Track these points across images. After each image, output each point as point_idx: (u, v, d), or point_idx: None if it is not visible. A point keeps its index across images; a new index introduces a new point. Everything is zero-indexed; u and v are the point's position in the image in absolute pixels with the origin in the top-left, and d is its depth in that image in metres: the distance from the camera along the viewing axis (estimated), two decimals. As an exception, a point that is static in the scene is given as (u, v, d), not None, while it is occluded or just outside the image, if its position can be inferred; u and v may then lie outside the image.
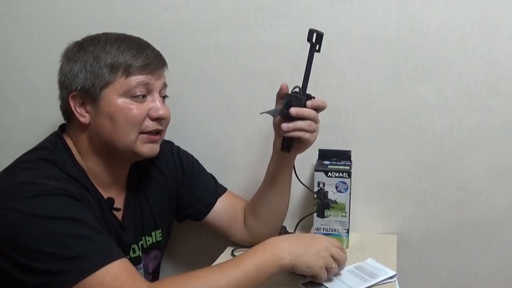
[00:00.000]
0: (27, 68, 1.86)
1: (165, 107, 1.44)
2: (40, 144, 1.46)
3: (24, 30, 1.85)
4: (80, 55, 1.40)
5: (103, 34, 1.44)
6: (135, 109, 1.39)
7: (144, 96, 1.40)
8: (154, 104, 1.42)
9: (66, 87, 1.41)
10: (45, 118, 1.47)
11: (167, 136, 1.54)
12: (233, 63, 1.74)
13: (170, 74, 1.55)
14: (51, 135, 1.47)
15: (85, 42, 1.42)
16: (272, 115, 1.46)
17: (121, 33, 1.44)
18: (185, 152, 1.71)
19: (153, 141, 1.44)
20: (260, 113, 1.44)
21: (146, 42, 1.45)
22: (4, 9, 1.84)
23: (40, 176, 1.31)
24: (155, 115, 1.41)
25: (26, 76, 1.87)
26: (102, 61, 1.37)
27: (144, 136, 1.42)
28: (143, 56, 1.39)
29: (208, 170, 1.73)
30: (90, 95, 1.38)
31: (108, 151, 1.43)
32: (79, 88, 1.38)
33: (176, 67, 1.67)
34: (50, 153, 1.41)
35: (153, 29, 1.73)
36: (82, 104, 1.40)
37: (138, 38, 1.44)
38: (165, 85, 1.47)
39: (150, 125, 1.42)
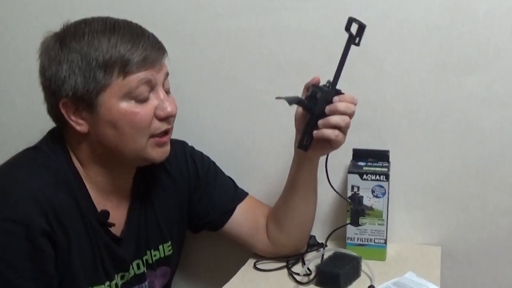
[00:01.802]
0: (23, 57, 1.77)
1: (171, 102, 1.33)
2: (36, 144, 1.37)
3: (20, 13, 1.77)
4: (64, 54, 1.26)
5: (84, 22, 1.30)
6: (140, 112, 1.28)
7: (148, 94, 1.30)
8: (159, 101, 1.31)
9: (53, 93, 1.29)
10: (44, 112, 1.36)
11: (179, 135, 1.46)
12: (257, 51, 1.65)
13: (185, 64, 1.53)
14: (47, 136, 1.37)
15: (67, 36, 1.28)
16: (288, 102, 1.38)
17: (106, 18, 1.31)
18: (200, 153, 1.61)
19: (163, 144, 1.35)
20: (276, 98, 1.36)
21: (138, 27, 1.32)
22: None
23: (18, 188, 1.22)
24: (162, 114, 1.31)
25: (22, 65, 1.78)
26: (93, 60, 1.24)
27: (154, 139, 1.33)
28: (140, 48, 1.27)
29: (227, 172, 1.64)
30: (84, 102, 1.27)
31: (114, 159, 1.34)
32: (70, 95, 1.26)
33: (193, 55, 1.65)
34: (45, 156, 1.31)
35: (167, 13, 1.66)
36: (76, 111, 1.28)
37: (128, 23, 1.31)
38: (167, 75, 1.36)
39: (158, 126, 1.32)
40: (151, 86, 1.29)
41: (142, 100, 1.28)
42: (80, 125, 1.28)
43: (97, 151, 1.31)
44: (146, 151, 1.31)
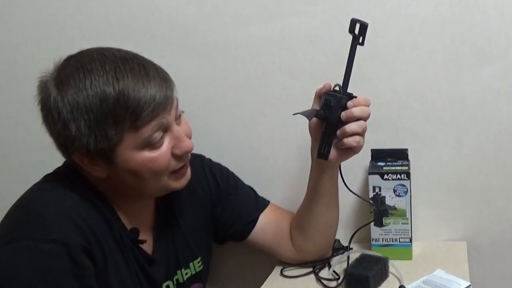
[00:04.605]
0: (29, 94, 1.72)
1: (185, 138, 1.29)
2: (55, 170, 1.35)
3: (30, 36, 1.75)
4: (68, 111, 1.18)
5: (82, 69, 1.19)
6: (158, 157, 1.25)
7: (162, 136, 1.26)
8: (175, 140, 1.28)
9: (65, 147, 1.24)
10: (49, 147, 1.30)
11: (197, 149, 1.41)
12: (268, 59, 1.63)
13: (197, 76, 1.52)
14: (63, 167, 1.34)
15: (67, 88, 1.18)
16: (306, 117, 1.36)
17: (104, 60, 1.21)
18: (218, 165, 1.59)
19: (184, 174, 1.34)
20: (293, 114, 1.35)
21: (141, 66, 1.23)
22: (6, 15, 1.76)
23: (51, 209, 1.19)
24: (179, 152, 1.28)
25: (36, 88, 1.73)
26: (102, 119, 1.18)
27: (174, 174, 1.31)
28: (149, 98, 1.20)
29: (246, 181, 1.62)
30: (99, 155, 1.22)
31: (135, 194, 1.33)
32: (83, 151, 1.21)
33: (203, 67, 1.63)
34: (67, 180, 1.28)
35: (174, 25, 1.64)
36: (92, 160, 1.24)
37: (130, 65, 1.21)
38: (177, 103, 1.30)
39: (176, 164, 1.29)
40: (164, 128, 1.25)
41: (158, 145, 1.25)
42: (97, 171, 1.25)
43: (118, 188, 1.29)
44: (168, 185, 1.30)
